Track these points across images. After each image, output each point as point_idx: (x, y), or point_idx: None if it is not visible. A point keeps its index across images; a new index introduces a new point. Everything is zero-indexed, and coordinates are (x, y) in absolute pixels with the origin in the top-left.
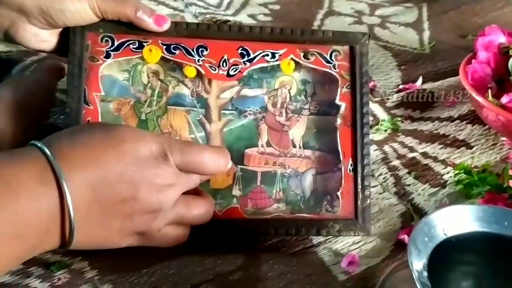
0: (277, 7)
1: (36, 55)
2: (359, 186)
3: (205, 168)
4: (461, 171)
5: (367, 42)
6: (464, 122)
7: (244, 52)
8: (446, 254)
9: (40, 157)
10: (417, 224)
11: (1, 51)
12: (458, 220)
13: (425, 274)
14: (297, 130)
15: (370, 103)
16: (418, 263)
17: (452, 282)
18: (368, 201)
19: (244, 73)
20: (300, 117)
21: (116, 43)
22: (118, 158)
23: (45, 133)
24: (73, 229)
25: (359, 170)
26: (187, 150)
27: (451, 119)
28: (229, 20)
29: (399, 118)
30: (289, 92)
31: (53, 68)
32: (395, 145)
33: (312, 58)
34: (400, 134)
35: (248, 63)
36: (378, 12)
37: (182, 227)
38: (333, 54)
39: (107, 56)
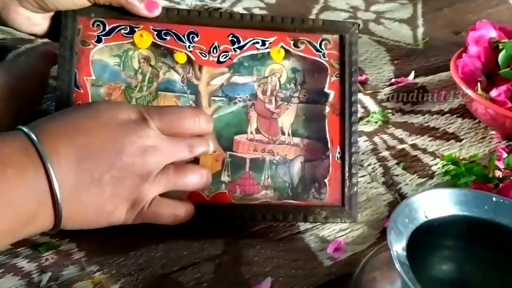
0: (272, 1)
1: (30, 42)
2: (346, 174)
3: (186, 126)
4: (449, 162)
5: (357, 31)
6: (455, 115)
7: (235, 39)
8: (427, 237)
9: (25, 141)
10: (398, 206)
11: None
12: (439, 203)
13: (404, 254)
14: (286, 118)
15: (362, 95)
16: (398, 244)
17: (432, 265)
18: (355, 189)
19: (234, 60)
20: (290, 105)
21: (107, 28)
22: (99, 126)
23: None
24: (60, 209)
25: (347, 158)
26: (164, 111)
27: (441, 112)
28: (220, 8)
29: (390, 111)
30: (279, 80)
31: (46, 54)
32: (385, 136)
33: (302, 47)
34: (390, 126)
35: (238, 50)
36: (373, 8)
37: (180, 204)
38: (323, 43)
39: (98, 40)
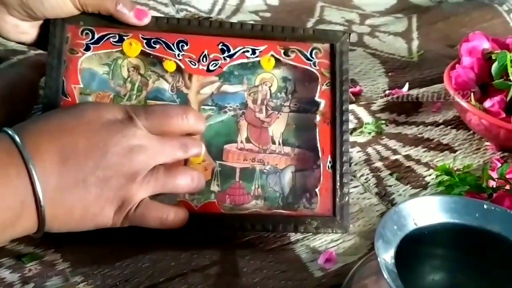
0: (267, 14)
1: (23, 54)
2: (338, 183)
3: (174, 124)
4: (442, 173)
5: (348, 40)
6: (449, 127)
7: (225, 48)
8: (417, 246)
9: (9, 142)
10: (387, 212)
11: None
12: (429, 210)
13: (393, 261)
14: (277, 127)
15: (355, 106)
16: (386, 252)
17: (423, 275)
18: (347, 199)
19: (224, 69)
20: (280, 114)
21: (96, 36)
22: (83, 126)
23: None
24: (43, 210)
25: (338, 167)
26: (151, 109)
27: (435, 124)
28: (210, 17)
29: (383, 122)
30: (270, 89)
31: (36, 64)
32: (379, 147)
33: (293, 55)
34: (384, 137)
35: (228, 59)
36: (368, 21)
37: (170, 207)
38: (314, 52)
39: (87, 49)
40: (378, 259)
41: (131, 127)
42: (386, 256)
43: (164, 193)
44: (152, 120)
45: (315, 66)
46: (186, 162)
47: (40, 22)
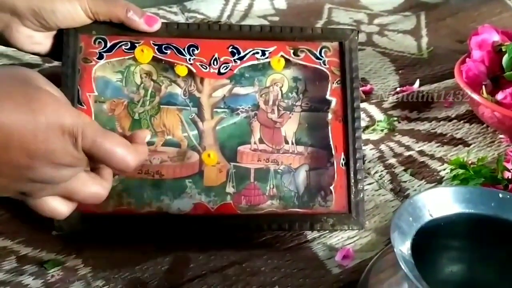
0: (276, 18)
1: (38, 67)
2: (352, 180)
3: (112, 165)
4: (457, 167)
5: (356, 38)
6: (462, 121)
7: (235, 50)
8: (433, 238)
9: None
10: (401, 204)
11: (5, 64)
12: (444, 201)
13: (409, 252)
14: (289, 127)
15: (367, 104)
16: (402, 243)
17: (439, 266)
18: (361, 195)
19: (235, 71)
20: (292, 114)
21: (108, 45)
22: (26, 127)
23: None
24: None
25: (352, 164)
26: (99, 142)
27: (448, 119)
28: (219, 21)
29: (395, 119)
30: (281, 90)
31: (52, 75)
32: (392, 144)
33: (302, 55)
34: (396, 134)
35: (238, 61)
36: (376, 21)
37: (68, 204)
38: (323, 51)
39: (100, 57)
40: (395, 250)
41: (68, 147)
42: (403, 247)
43: None
44: (93, 154)
45: (325, 64)
46: (201, 164)
47: (54, 32)
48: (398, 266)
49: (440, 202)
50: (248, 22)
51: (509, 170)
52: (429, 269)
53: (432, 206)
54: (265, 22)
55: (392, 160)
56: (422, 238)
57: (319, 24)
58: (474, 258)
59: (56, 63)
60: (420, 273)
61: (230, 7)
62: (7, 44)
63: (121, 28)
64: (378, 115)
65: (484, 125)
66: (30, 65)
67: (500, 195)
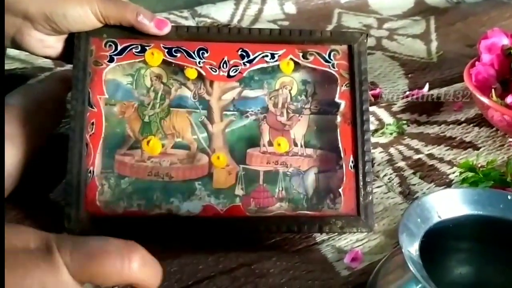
0: (286, 23)
1: (49, 70)
2: (361, 183)
3: (107, 270)
4: (466, 170)
5: (365, 41)
6: (471, 125)
7: (244, 54)
8: (441, 240)
9: None
10: (409, 205)
11: (17, 67)
12: (452, 203)
13: (417, 253)
14: (298, 129)
15: (376, 107)
16: (410, 244)
17: (448, 268)
18: (370, 197)
19: (245, 74)
20: (301, 117)
21: (119, 48)
22: None
23: (56, 142)
24: None
25: (360, 166)
26: (80, 243)
27: (457, 122)
28: (229, 24)
29: (405, 122)
30: (290, 93)
31: (63, 78)
32: (401, 147)
33: (311, 58)
34: (406, 137)
35: (248, 64)
36: (386, 25)
37: None
38: (332, 54)
39: (111, 60)
40: (403, 251)
41: (44, 267)
42: (411, 248)
43: None
44: (79, 260)
45: (334, 67)
46: (210, 166)
47: (65, 36)
48: (406, 267)
49: (449, 204)
50: (258, 26)
51: None
52: (437, 270)
53: (441, 207)
54: (275, 27)
55: (401, 163)
56: (431, 239)
57: (329, 28)
58: (482, 260)
59: (67, 66)
60: (429, 275)
61: (240, 12)
62: (20, 47)
63: (131, 31)
64: (387, 118)
65: (494, 129)
66: (42, 69)
67: (509, 197)
